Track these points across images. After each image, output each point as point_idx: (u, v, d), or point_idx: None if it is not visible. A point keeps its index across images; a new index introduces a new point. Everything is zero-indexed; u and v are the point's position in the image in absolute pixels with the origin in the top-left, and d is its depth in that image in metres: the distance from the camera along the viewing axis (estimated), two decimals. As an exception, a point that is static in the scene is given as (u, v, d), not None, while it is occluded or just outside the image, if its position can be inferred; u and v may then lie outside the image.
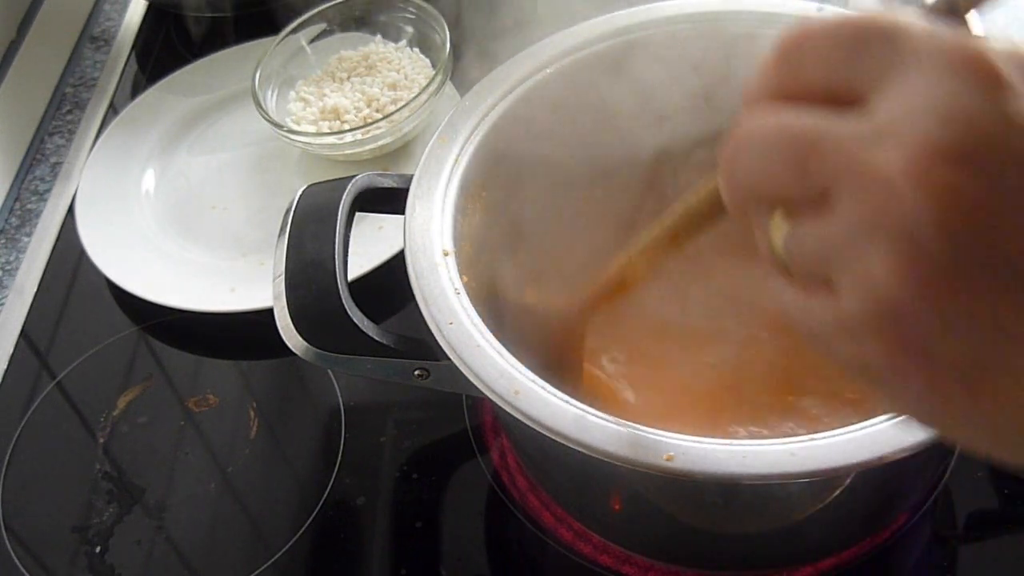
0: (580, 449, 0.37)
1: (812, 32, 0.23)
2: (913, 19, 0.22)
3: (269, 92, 0.76)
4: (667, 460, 0.36)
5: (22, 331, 0.69)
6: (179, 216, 0.74)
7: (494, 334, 0.41)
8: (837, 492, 0.42)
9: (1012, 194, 0.20)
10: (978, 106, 0.20)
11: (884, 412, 0.36)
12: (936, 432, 0.24)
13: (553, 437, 0.37)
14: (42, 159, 0.83)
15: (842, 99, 0.23)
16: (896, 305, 0.22)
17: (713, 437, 0.36)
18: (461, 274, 0.44)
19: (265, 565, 0.54)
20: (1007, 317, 0.21)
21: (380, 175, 0.50)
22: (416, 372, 0.46)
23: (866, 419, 0.36)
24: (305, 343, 0.45)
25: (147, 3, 0.96)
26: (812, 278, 0.24)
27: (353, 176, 0.49)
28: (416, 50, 0.78)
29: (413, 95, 0.72)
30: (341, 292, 0.45)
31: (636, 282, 0.41)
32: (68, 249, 0.74)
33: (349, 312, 0.45)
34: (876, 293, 0.22)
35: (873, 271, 0.22)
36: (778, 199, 0.24)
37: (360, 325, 0.45)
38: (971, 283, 0.21)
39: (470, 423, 0.59)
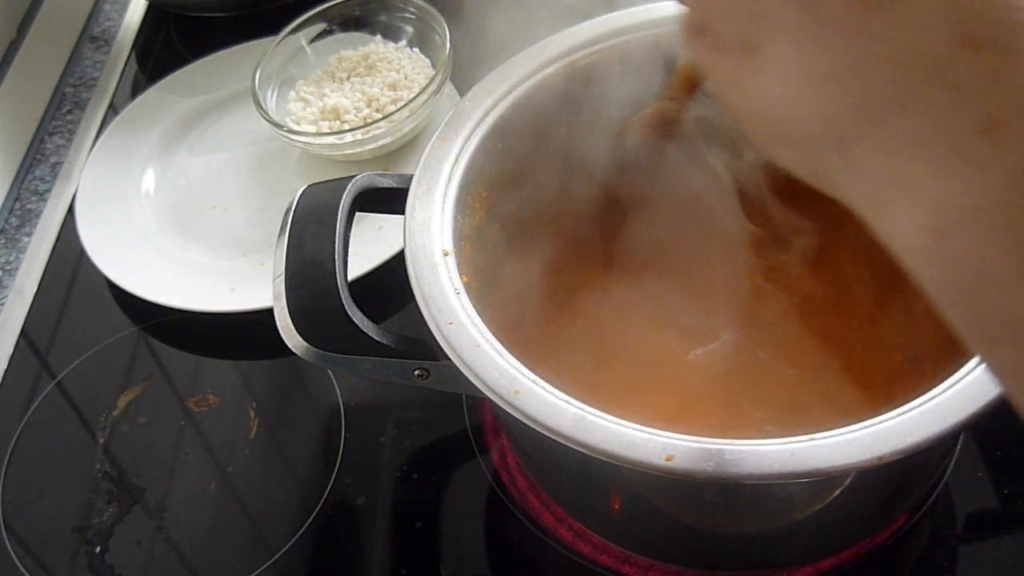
0: (580, 449, 0.37)
1: None
2: None
3: (269, 92, 0.76)
4: (667, 460, 0.36)
5: (22, 331, 0.69)
6: (179, 216, 0.74)
7: (494, 333, 0.41)
8: (837, 492, 0.42)
9: None
10: None
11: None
12: (730, 112, 0.29)
13: (553, 437, 0.37)
14: (42, 159, 0.83)
15: None
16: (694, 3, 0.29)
17: (713, 437, 0.37)
18: (461, 274, 0.44)
19: (265, 565, 0.54)
20: None
21: (380, 175, 0.50)
22: (416, 372, 0.46)
23: (865, 419, 0.36)
24: (305, 343, 0.45)
25: (147, 3, 0.96)
26: None
27: (353, 176, 0.49)
28: (416, 50, 0.78)
29: (413, 95, 0.72)
30: (341, 292, 0.45)
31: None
32: (68, 249, 0.74)
33: (349, 312, 0.45)
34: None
35: None
36: None
37: (360, 325, 0.45)
38: None
39: (470, 423, 0.59)
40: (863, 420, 0.36)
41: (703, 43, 0.28)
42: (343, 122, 0.73)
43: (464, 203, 0.48)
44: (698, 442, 0.36)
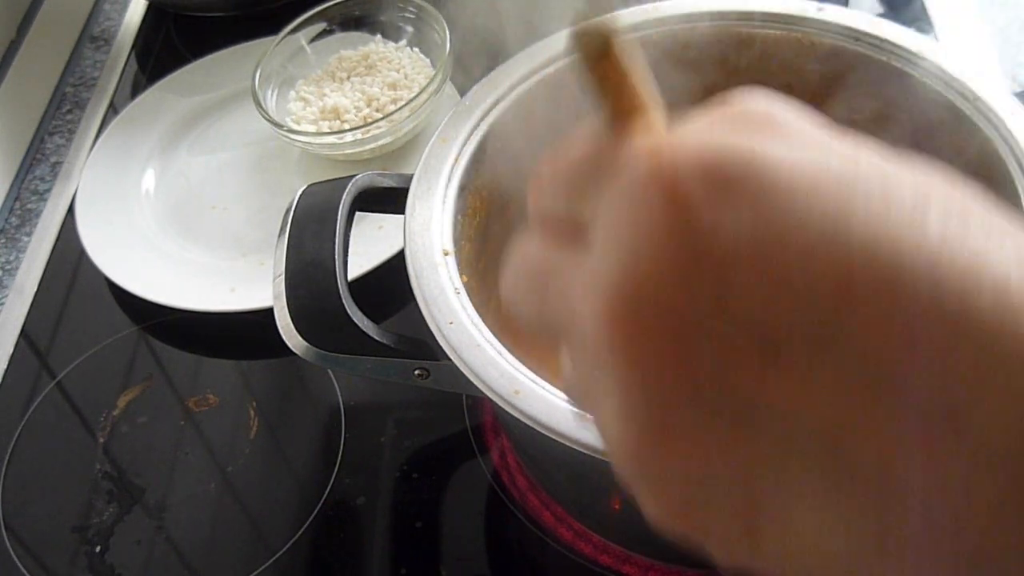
0: (580, 449, 0.37)
1: (554, 159, 0.23)
2: (638, 138, 0.20)
3: (269, 92, 0.76)
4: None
5: (22, 331, 0.69)
6: (179, 216, 0.74)
7: (494, 333, 0.41)
8: (837, 492, 0.42)
9: (697, 329, 0.18)
10: (656, 244, 0.19)
11: None
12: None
13: (553, 437, 0.37)
14: (42, 159, 0.83)
15: (581, 228, 0.21)
16: (637, 463, 0.20)
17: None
18: (461, 274, 0.44)
19: (265, 565, 0.54)
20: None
21: (380, 175, 0.50)
22: (416, 372, 0.46)
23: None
24: (305, 343, 0.45)
25: (147, 3, 0.96)
26: None
27: (353, 176, 0.49)
28: (416, 50, 0.78)
29: (413, 95, 0.72)
30: (341, 292, 0.45)
31: None
32: (68, 249, 0.74)
33: (349, 312, 0.45)
34: (620, 454, 0.20)
35: (604, 425, 0.21)
36: (546, 327, 0.23)
37: (360, 325, 0.45)
38: (690, 430, 0.19)
39: (470, 423, 0.59)
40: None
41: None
42: (343, 122, 0.73)
43: (464, 203, 0.48)
44: (698, 442, 0.36)
